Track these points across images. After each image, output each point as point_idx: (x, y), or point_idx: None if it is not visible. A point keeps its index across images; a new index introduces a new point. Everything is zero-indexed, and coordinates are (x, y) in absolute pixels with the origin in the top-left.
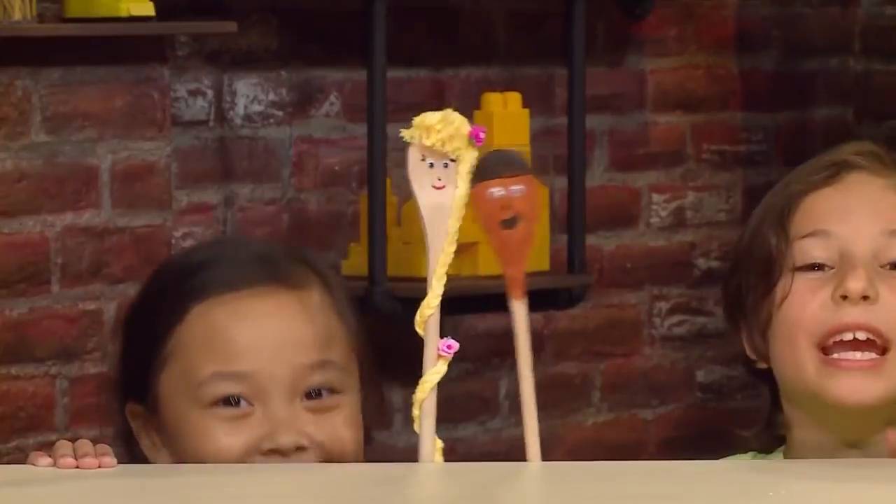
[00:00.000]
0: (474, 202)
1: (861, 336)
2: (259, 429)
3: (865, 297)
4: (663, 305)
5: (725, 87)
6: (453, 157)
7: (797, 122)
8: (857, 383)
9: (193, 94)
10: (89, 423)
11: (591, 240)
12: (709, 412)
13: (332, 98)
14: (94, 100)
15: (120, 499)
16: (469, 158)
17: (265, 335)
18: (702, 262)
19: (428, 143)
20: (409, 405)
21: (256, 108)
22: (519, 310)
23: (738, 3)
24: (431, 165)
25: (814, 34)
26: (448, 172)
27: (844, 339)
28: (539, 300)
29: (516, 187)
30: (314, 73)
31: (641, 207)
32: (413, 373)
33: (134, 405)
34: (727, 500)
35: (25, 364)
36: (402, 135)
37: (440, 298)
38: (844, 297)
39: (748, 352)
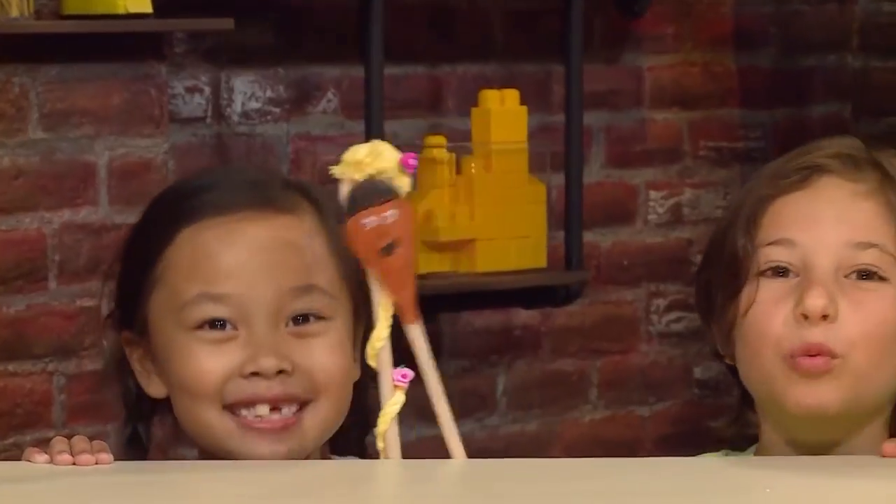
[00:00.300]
0: (350, 236)
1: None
2: (242, 352)
3: (825, 316)
4: (661, 302)
5: (723, 84)
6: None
7: (795, 119)
8: (813, 386)
9: (191, 91)
10: (86, 420)
11: (588, 236)
12: (706, 409)
13: (330, 95)
14: (91, 97)
15: (116, 495)
16: (403, 186)
17: (251, 259)
18: (699, 259)
19: (358, 178)
20: (404, 405)
21: (254, 105)
22: (414, 332)
23: (736, 1)
24: None
25: (811, 31)
26: None
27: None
28: (536, 297)
29: (388, 213)
30: (311, 70)
31: (638, 204)
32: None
33: (128, 333)
34: (724, 496)
35: (23, 361)
36: (331, 172)
37: (389, 330)
38: (805, 316)
39: (718, 348)
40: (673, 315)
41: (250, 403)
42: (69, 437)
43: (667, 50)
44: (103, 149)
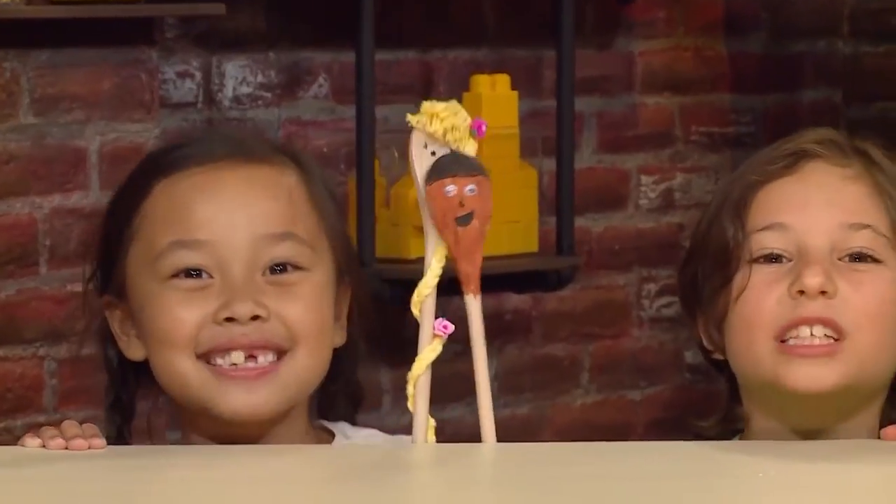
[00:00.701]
0: (430, 198)
1: (818, 332)
2: (217, 300)
3: (823, 293)
4: (652, 287)
5: (714, 70)
6: (454, 147)
7: (785, 105)
8: (813, 370)
9: (182, 76)
10: (77, 405)
11: (579, 221)
12: (697, 393)
13: (321, 80)
14: (82, 82)
15: (110, 479)
16: (470, 149)
17: (226, 205)
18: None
19: (431, 130)
20: (396, 387)
21: (245, 90)
22: (473, 305)
23: None
24: (433, 153)
25: (802, 16)
26: None
27: (801, 334)
28: (527, 282)
29: (470, 186)
30: (302, 55)
31: (630, 189)
32: (401, 354)
33: (109, 296)
34: (716, 480)
35: (13, 346)
36: (408, 120)
37: (438, 279)
38: (801, 293)
39: (704, 342)
40: (664, 300)
41: (225, 350)
42: (60, 422)
43: (658, 35)
44: (94, 134)
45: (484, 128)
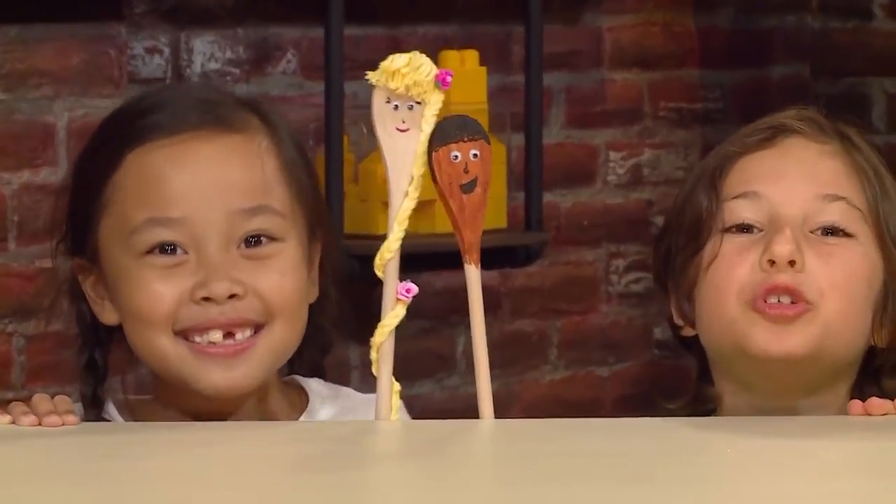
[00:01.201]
0: (437, 164)
1: (785, 300)
2: (193, 277)
3: (792, 263)
4: (620, 263)
5: (683, 45)
6: (418, 100)
7: (754, 80)
8: (779, 332)
9: (150, 51)
10: (46, 381)
11: (548, 197)
12: (666, 369)
13: (289, 55)
14: (50, 57)
15: (83, 457)
16: (435, 102)
17: (200, 180)
18: (659, 220)
19: (392, 86)
20: (365, 363)
21: (213, 65)
22: (473, 274)
23: None
24: (396, 107)
25: None
26: (413, 115)
27: (769, 301)
28: (496, 258)
29: (474, 151)
30: (271, 31)
31: (598, 165)
32: (370, 330)
33: (80, 259)
34: (684, 456)
35: None
36: (367, 77)
37: (400, 242)
38: (772, 263)
39: (675, 317)
40: (633, 276)
41: (203, 329)
42: (28, 398)
43: (626, 10)
44: (63, 109)
45: (449, 78)
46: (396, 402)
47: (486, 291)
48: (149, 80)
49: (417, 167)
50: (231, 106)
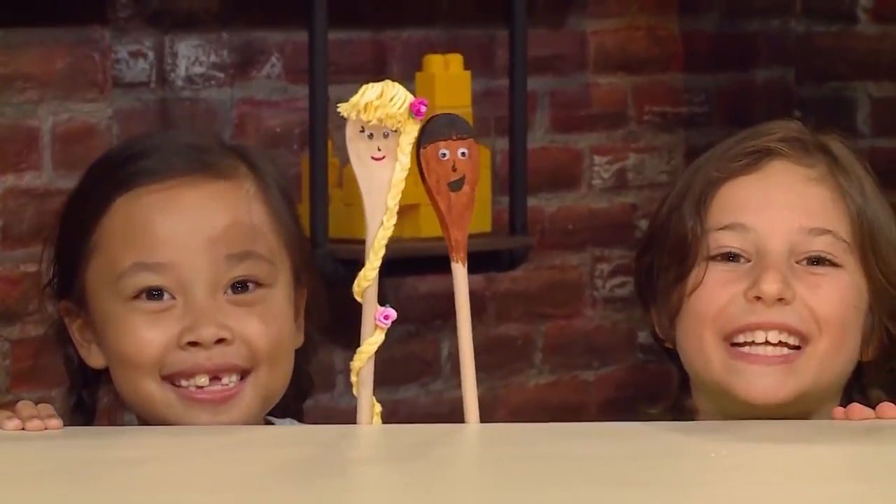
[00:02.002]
0: (424, 163)
1: (773, 337)
2: (180, 322)
3: (781, 299)
4: (605, 267)
5: (667, 49)
6: (394, 129)
7: (739, 84)
8: (767, 382)
9: (135, 55)
10: (30, 386)
11: (532, 201)
12: (650, 373)
13: (274, 60)
14: (34, 61)
15: (67, 459)
16: (411, 130)
17: (187, 226)
18: (643, 224)
19: (365, 118)
20: (350, 368)
21: (198, 69)
22: (460, 273)
23: None
24: (371, 136)
25: None
26: (388, 143)
27: (756, 340)
28: (480, 262)
29: (462, 149)
30: (255, 35)
31: (583, 169)
32: (354, 335)
33: (67, 302)
34: (668, 459)
35: None
36: (339, 110)
37: (377, 271)
38: (759, 298)
39: (657, 331)
40: (617, 280)
41: (190, 374)
42: (13, 404)
43: (611, 14)
44: (47, 114)
45: (423, 108)
46: (378, 422)
47: (471, 296)
48: (133, 85)
49: (392, 196)
50: (218, 152)
